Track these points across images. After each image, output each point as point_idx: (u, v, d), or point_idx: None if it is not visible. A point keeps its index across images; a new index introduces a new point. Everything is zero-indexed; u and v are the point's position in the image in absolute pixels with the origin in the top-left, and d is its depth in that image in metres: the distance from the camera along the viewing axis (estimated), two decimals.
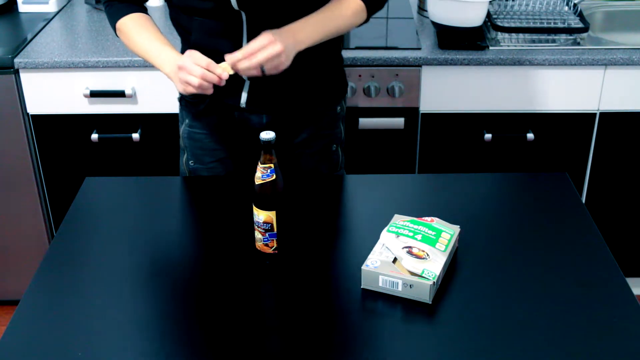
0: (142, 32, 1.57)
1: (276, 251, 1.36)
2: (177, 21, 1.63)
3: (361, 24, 1.60)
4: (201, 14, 1.53)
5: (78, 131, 2.25)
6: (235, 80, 1.60)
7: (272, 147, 1.29)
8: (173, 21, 1.65)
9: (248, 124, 1.66)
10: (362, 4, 1.57)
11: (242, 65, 1.43)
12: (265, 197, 1.31)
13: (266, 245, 1.35)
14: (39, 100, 2.20)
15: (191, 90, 1.44)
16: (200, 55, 1.44)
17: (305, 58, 1.56)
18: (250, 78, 1.59)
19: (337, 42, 1.65)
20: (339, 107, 1.72)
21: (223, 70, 1.43)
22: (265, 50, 1.42)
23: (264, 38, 1.42)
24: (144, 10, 1.63)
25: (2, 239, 2.40)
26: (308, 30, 1.49)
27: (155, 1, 2.49)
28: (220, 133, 1.69)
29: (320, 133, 1.70)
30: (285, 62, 1.44)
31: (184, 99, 1.71)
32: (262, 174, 1.30)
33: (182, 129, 1.74)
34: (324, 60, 1.57)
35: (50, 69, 2.15)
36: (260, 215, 1.32)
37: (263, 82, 1.59)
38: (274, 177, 1.30)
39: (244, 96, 1.62)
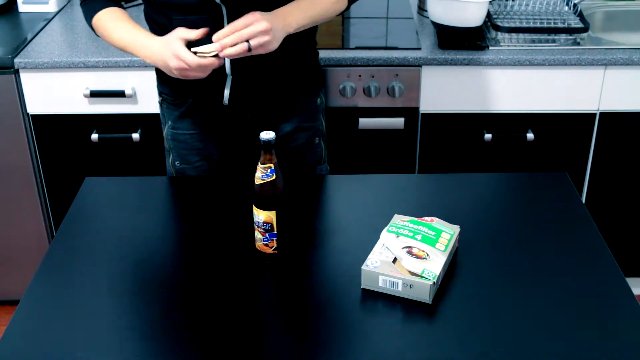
0: (120, 23, 1.57)
1: (276, 251, 1.36)
2: (153, 19, 1.62)
3: (342, 12, 1.62)
4: (181, 9, 1.53)
5: (78, 131, 2.25)
6: (218, 77, 1.59)
7: (272, 147, 1.29)
8: (148, 19, 1.65)
9: (231, 121, 1.67)
10: None
11: (227, 40, 1.40)
12: (265, 197, 1.31)
13: (266, 245, 1.35)
14: (39, 100, 2.20)
15: (190, 76, 1.45)
16: (187, 54, 1.43)
17: (283, 50, 1.56)
18: (233, 72, 1.58)
19: (311, 33, 1.66)
20: (318, 99, 1.74)
21: (215, 50, 1.42)
22: (251, 27, 1.40)
23: (250, 15, 1.42)
24: (120, 5, 1.64)
25: (2, 239, 2.40)
26: (296, 14, 1.50)
27: None
28: (204, 132, 1.70)
29: (302, 126, 1.71)
30: (273, 42, 1.43)
31: (164, 102, 1.72)
32: (262, 174, 1.29)
33: (166, 130, 1.75)
34: (300, 52, 1.59)
35: (50, 69, 2.15)
36: (261, 215, 1.32)
37: (244, 76, 1.60)
38: (274, 177, 1.30)
39: (226, 93, 1.62)
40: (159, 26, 1.60)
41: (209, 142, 1.71)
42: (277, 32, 1.44)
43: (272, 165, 1.29)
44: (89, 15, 1.62)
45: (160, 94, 1.73)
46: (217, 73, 1.59)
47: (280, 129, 1.70)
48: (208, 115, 1.67)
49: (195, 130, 1.70)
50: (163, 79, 1.70)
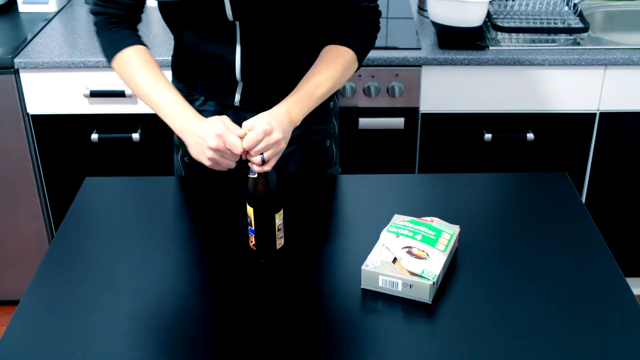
0: (151, 77, 1.49)
1: (254, 247, 1.37)
2: (170, 22, 1.63)
3: (355, 72, 1.58)
4: (194, 25, 1.53)
5: (78, 131, 2.25)
6: (229, 83, 1.60)
7: None
8: (165, 19, 1.65)
9: (242, 122, 1.67)
10: (352, 54, 1.54)
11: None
12: (248, 191, 1.34)
13: (249, 238, 1.38)
14: (39, 100, 2.20)
15: (217, 168, 1.39)
16: (234, 139, 1.34)
17: (296, 55, 1.57)
18: (243, 79, 1.59)
19: (324, 40, 1.65)
20: (331, 103, 1.73)
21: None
22: (262, 142, 1.35)
23: (259, 131, 1.34)
24: (142, 41, 1.56)
25: (2, 239, 2.40)
26: (301, 105, 1.46)
27: (155, 1, 2.48)
28: None
29: (313, 129, 1.70)
30: (284, 144, 1.39)
31: None
32: (250, 170, 1.33)
33: None
34: (313, 57, 1.58)
35: (50, 69, 2.15)
36: (247, 208, 1.35)
37: (256, 83, 1.60)
38: (255, 175, 1.32)
39: (237, 97, 1.63)
40: (175, 30, 1.61)
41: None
42: (287, 132, 1.41)
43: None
44: (112, 47, 1.52)
45: (172, 85, 1.72)
46: (228, 79, 1.59)
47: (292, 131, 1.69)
48: (219, 114, 1.67)
49: None
50: (179, 74, 1.70)
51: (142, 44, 1.54)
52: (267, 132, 1.35)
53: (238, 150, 1.33)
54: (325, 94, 1.51)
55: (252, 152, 1.34)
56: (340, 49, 1.54)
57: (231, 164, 1.38)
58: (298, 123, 1.46)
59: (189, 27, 1.55)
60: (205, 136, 1.35)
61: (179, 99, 1.46)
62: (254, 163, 1.34)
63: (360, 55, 1.56)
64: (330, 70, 1.51)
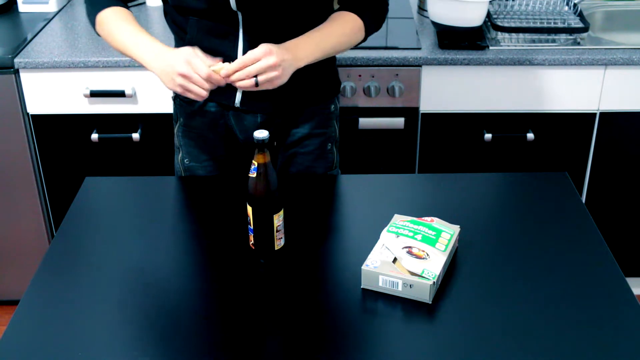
0: (125, 24, 1.53)
1: (253, 247, 1.37)
2: (171, 19, 1.63)
3: (359, 43, 1.60)
4: (197, 13, 1.53)
5: (78, 131, 2.25)
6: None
7: (265, 146, 1.30)
8: (167, 18, 1.65)
9: (243, 123, 1.67)
10: (360, 23, 1.57)
11: (235, 76, 1.39)
12: (248, 191, 1.34)
13: (249, 238, 1.38)
14: (39, 100, 2.20)
15: (190, 96, 1.41)
16: (200, 63, 1.39)
17: None
18: None
19: None
20: (332, 106, 1.73)
21: (220, 70, 1.40)
22: (260, 62, 1.39)
23: (260, 49, 1.39)
24: (126, 6, 1.60)
25: (2, 239, 2.40)
26: (308, 48, 1.48)
27: (155, 1, 2.49)
28: (215, 132, 1.69)
29: (314, 132, 1.70)
30: (282, 77, 1.42)
31: (178, 98, 1.71)
32: (250, 169, 1.33)
33: (177, 127, 1.74)
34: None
35: (50, 69, 2.15)
36: (247, 208, 1.35)
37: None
38: (254, 175, 1.32)
39: (238, 96, 1.62)
40: (177, 26, 1.61)
41: (218, 143, 1.71)
42: (287, 67, 1.42)
43: (255, 163, 1.31)
44: (93, 9, 1.58)
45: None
46: None
47: (292, 134, 1.69)
48: (219, 116, 1.67)
49: (206, 129, 1.69)
50: None
51: (123, 5, 1.58)
52: (267, 52, 1.37)
53: (203, 71, 1.36)
54: (331, 49, 1.53)
55: (245, 72, 1.37)
56: (349, 14, 1.56)
57: (201, 91, 1.39)
58: (302, 63, 1.47)
59: (192, 16, 1.54)
60: (174, 62, 1.39)
61: (151, 38, 1.49)
62: (245, 87, 1.37)
63: (368, 26, 1.57)
64: (339, 30, 1.53)
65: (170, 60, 1.40)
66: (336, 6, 1.63)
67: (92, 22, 1.60)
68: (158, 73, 1.44)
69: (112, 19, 1.55)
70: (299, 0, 1.51)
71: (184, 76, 1.38)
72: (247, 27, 1.52)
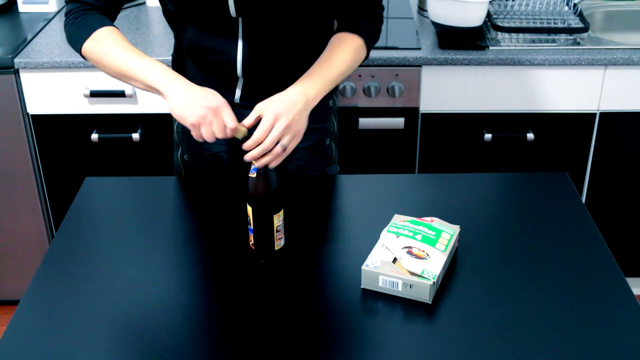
0: (130, 49, 1.44)
1: (253, 247, 1.38)
2: (171, 19, 1.63)
3: (363, 61, 1.59)
4: (197, 20, 1.53)
5: (78, 131, 2.25)
6: (229, 78, 1.60)
7: None
8: (167, 18, 1.65)
9: (242, 119, 1.67)
10: (360, 42, 1.55)
11: (255, 152, 1.34)
12: (248, 191, 1.34)
13: (249, 237, 1.38)
14: (39, 100, 2.20)
15: (202, 131, 1.36)
16: (231, 114, 1.36)
17: (298, 52, 1.57)
18: (244, 75, 1.59)
19: (327, 37, 1.65)
20: (330, 101, 1.73)
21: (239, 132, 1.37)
22: (272, 133, 1.35)
23: (267, 120, 1.35)
24: (112, 23, 1.51)
25: (2, 239, 2.40)
26: (316, 86, 1.46)
27: (155, 1, 2.48)
28: None
29: (312, 127, 1.70)
30: (301, 128, 1.39)
31: None
32: (250, 169, 1.33)
33: (177, 123, 1.74)
34: (315, 56, 1.58)
35: (50, 69, 2.15)
36: (247, 208, 1.35)
37: (256, 80, 1.60)
38: (254, 174, 1.32)
39: (237, 92, 1.62)
40: (177, 27, 1.61)
41: (219, 139, 1.71)
42: (302, 117, 1.40)
43: (254, 163, 1.33)
44: (81, 35, 1.45)
45: None
46: (229, 75, 1.59)
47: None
48: None
49: None
50: (179, 71, 1.70)
51: (113, 25, 1.50)
52: (274, 120, 1.36)
53: (231, 120, 1.34)
54: (338, 77, 1.52)
55: (267, 144, 1.34)
56: (349, 35, 1.55)
57: (217, 131, 1.35)
58: (315, 102, 1.46)
59: (192, 23, 1.54)
60: (209, 96, 1.36)
61: (169, 69, 1.43)
62: (275, 154, 1.34)
63: (369, 43, 1.57)
64: (342, 55, 1.52)
65: (205, 93, 1.37)
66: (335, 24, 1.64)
67: (81, 41, 1.47)
68: (178, 96, 1.38)
69: (108, 41, 1.44)
70: (298, 6, 1.51)
71: (212, 109, 1.35)
72: (247, 32, 1.53)
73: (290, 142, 1.38)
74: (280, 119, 1.37)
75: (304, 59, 1.57)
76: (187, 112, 1.36)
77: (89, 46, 1.46)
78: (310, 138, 1.71)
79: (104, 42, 1.45)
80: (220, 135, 1.36)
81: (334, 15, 1.63)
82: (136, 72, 1.41)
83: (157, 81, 1.40)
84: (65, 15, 1.51)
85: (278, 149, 1.35)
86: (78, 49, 1.48)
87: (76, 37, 1.48)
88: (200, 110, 1.35)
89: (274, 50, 1.56)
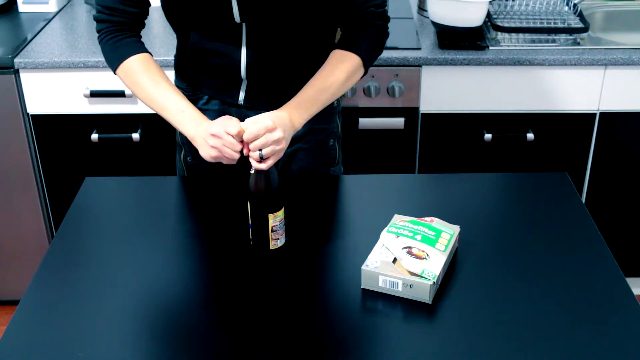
0: (157, 81, 1.52)
1: (251, 242, 1.38)
2: (174, 22, 1.62)
3: (360, 79, 1.58)
4: (200, 26, 1.53)
5: (78, 131, 2.25)
6: (233, 80, 1.60)
7: None
8: (170, 21, 1.65)
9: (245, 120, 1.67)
10: (359, 60, 1.54)
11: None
12: (247, 188, 1.34)
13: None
14: (39, 100, 2.20)
15: (224, 161, 1.40)
16: (231, 122, 1.37)
17: (302, 56, 1.57)
18: (248, 77, 1.59)
19: (331, 38, 1.65)
20: (335, 102, 1.73)
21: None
22: (264, 137, 1.35)
23: (263, 123, 1.36)
24: (145, 48, 1.57)
25: (2, 239, 2.40)
26: (301, 113, 1.46)
27: (155, 1, 2.48)
28: None
29: (316, 128, 1.70)
30: (284, 147, 1.40)
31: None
32: (251, 165, 1.34)
33: None
34: (318, 56, 1.58)
35: (50, 69, 2.15)
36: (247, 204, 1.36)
37: (260, 81, 1.60)
38: (253, 171, 1.33)
39: (241, 95, 1.63)
40: (180, 30, 1.61)
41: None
42: (288, 137, 1.41)
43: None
44: (115, 58, 1.55)
45: (177, 88, 1.72)
46: (233, 77, 1.59)
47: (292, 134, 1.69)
48: (223, 113, 1.67)
49: None
50: (181, 73, 1.70)
51: (146, 51, 1.56)
52: (269, 128, 1.35)
53: (234, 128, 1.35)
54: (329, 99, 1.52)
55: (251, 147, 1.35)
56: (347, 54, 1.53)
57: (232, 153, 1.38)
58: (299, 127, 1.47)
59: (196, 28, 1.55)
60: (208, 125, 1.40)
61: (189, 106, 1.48)
62: (252, 158, 1.35)
63: (367, 62, 1.56)
64: (335, 76, 1.51)
65: (207, 124, 1.41)
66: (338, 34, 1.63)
67: (114, 67, 1.57)
68: (198, 141, 1.43)
69: (139, 70, 1.53)
70: (301, 12, 1.51)
71: (215, 136, 1.37)
72: (251, 37, 1.53)
73: (269, 159, 1.35)
74: (275, 131, 1.36)
75: (307, 61, 1.57)
76: (204, 154, 1.41)
77: (121, 75, 1.57)
78: (314, 139, 1.71)
79: (133, 74, 1.54)
80: (236, 156, 1.38)
81: (337, 21, 1.62)
82: (161, 113, 1.52)
83: (180, 128, 1.48)
84: (97, 31, 1.58)
85: (256, 155, 1.34)
86: (113, 71, 1.59)
87: (109, 61, 1.58)
88: (209, 141, 1.38)
89: (278, 54, 1.57)
